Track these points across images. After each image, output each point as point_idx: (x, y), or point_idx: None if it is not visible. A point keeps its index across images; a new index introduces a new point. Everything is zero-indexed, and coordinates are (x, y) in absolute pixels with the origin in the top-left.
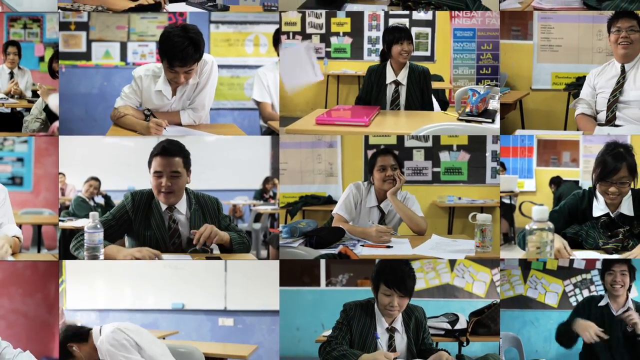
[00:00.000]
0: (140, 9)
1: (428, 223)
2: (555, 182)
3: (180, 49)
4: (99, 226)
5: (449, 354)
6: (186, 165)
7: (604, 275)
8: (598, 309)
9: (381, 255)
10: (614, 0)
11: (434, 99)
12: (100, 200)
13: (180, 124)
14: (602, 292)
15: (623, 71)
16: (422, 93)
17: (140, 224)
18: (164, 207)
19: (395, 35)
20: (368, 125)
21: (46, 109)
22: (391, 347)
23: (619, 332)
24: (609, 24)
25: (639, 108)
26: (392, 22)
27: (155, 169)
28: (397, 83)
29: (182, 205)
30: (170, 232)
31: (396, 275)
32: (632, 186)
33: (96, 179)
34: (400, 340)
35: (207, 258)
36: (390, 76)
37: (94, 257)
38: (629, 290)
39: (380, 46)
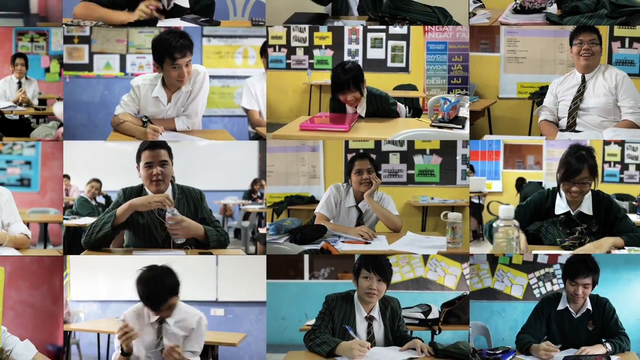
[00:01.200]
0: (137, 24)
1: (403, 221)
2: (517, 184)
3: (175, 42)
4: None
5: (423, 341)
6: (170, 156)
7: (566, 281)
8: (558, 312)
9: (360, 251)
10: (574, 16)
11: (401, 105)
12: (101, 200)
13: (175, 130)
14: (562, 289)
15: (583, 81)
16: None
17: (133, 215)
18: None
19: (339, 81)
20: (348, 131)
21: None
22: (369, 334)
23: (580, 333)
24: (571, 37)
25: (597, 115)
26: (369, 36)
27: (145, 160)
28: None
29: (168, 194)
30: (160, 218)
31: (375, 261)
32: (592, 187)
33: (97, 181)
34: (378, 328)
35: (201, 253)
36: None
37: None
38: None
39: (359, 58)
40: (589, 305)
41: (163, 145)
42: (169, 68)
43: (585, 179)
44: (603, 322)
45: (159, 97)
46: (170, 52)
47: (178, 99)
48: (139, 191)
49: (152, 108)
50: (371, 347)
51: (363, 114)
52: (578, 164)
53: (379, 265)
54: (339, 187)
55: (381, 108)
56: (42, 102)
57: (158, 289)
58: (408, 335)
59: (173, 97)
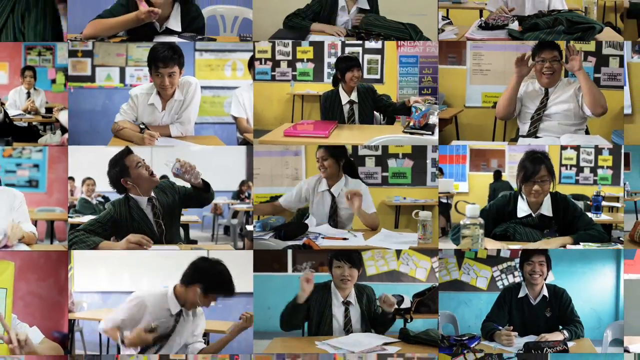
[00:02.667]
0: (135, 39)
1: (380, 221)
2: (495, 175)
3: (161, 52)
4: None
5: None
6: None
7: (523, 265)
8: (518, 300)
9: (339, 247)
10: (534, 32)
11: (376, 114)
12: (100, 199)
13: (169, 136)
14: (521, 279)
15: (547, 93)
16: (374, 103)
17: (127, 220)
18: (140, 199)
19: (347, 64)
20: (328, 137)
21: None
22: (347, 317)
23: (539, 320)
24: (533, 53)
25: (558, 121)
26: (346, 50)
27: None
28: (351, 102)
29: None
30: (154, 218)
31: (343, 251)
32: (551, 188)
33: (90, 178)
34: (355, 312)
35: (193, 248)
36: (344, 98)
37: None
38: (545, 278)
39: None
40: (545, 292)
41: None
42: (154, 75)
43: (544, 177)
44: (560, 311)
45: (154, 104)
46: (154, 61)
47: (172, 107)
48: (126, 200)
49: (148, 115)
50: (348, 329)
51: (356, 99)
52: (534, 165)
53: (347, 254)
54: (310, 180)
55: (370, 98)
56: (49, 110)
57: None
58: (386, 317)
59: (167, 105)
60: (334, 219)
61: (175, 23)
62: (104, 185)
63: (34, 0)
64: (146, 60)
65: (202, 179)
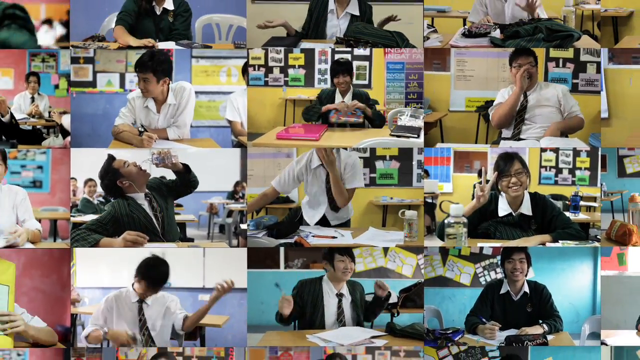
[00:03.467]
0: (135, 47)
1: (366, 219)
2: (480, 174)
3: (140, 58)
4: None
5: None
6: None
7: (504, 263)
8: (500, 296)
9: (328, 244)
10: (515, 40)
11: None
12: (101, 200)
13: (167, 139)
14: (503, 276)
15: (525, 96)
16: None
17: (127, 217)
18: (138, 196)
19: (336, 68)
20: (318, 140)
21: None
22: (340, 308)
23: (520, 314)
24: (510, 59)
25: (540, 125)
26: (336, 57)
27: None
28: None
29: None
30: (153, 212)
31: (343, 247)
32: (528, 185)
33: (92, 180)
34: (347, 303)
35: (190, 246)
36: (338, 99)
37: None
38: (526, 275)
39: (328, 76)
40: (526, 289)
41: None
42: (139, 81)
43: (519, 170)
44: (540, 306)
45: (149, 106)
46: (136, 65)
47: (167, 111)
48: (124, 200)
49: (144, 118)
50: (342, 322)
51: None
52: (507, 160)
53: (347, 250)
54: (301, 158)
55: (364, 102)
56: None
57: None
58: (372, 301)
59: (162, 109)
60: (330, 195)
61: (169, 4)
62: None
63: None
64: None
65: (181, 162)
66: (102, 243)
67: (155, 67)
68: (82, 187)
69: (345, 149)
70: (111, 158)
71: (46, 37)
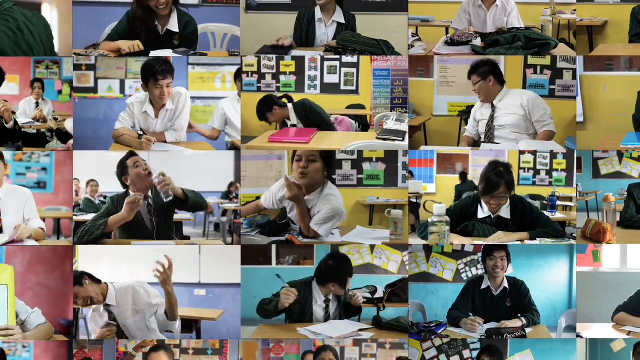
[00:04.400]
0: (133, 54)
1: (354, 217)
2: (461, 176)
3: (159, 67)
4: None
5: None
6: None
7: (485, 260)
8: (481, 291)
9: (316, 242)
10: (495, 47)
11: (352, 121)
12: (102, 200)
13: (165, 142)
14: (484, 272)
15: (493, 106)
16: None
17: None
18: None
19: (261, 109)
20: (308, 143)
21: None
22: (327, 313)
23: (500, 308)
24: (468, 77)
25: (510, 131)
26: (325, 65)
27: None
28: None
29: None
30: (148, 215)
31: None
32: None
33: (94, 180)
34: (333, 307)
35: (187, 244)
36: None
37: None
38: (505, 271)
39: (317, 82)
40: (506, 284)
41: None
42: (153, 87)
43: (502, 194)
44: (519, 300)
45: (147, 111)
46: (154, 74)
47: (165, 115)
48: (124, 196)
49: (143, 122)
50: (327, 315)
51: (295, 122)
52: (497, 178)
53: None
54: (274, 189)
55: (311, 117)
56: (56, 119)
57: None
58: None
59: (160, 114)
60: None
61: (174, 25)
62: (106, 187)
63: None
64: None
65: (183, 190)
66: (110, 223)
67: (173, 72)
68: (85, 187)
69: (334, 151)
70: (130, 154)
71: None
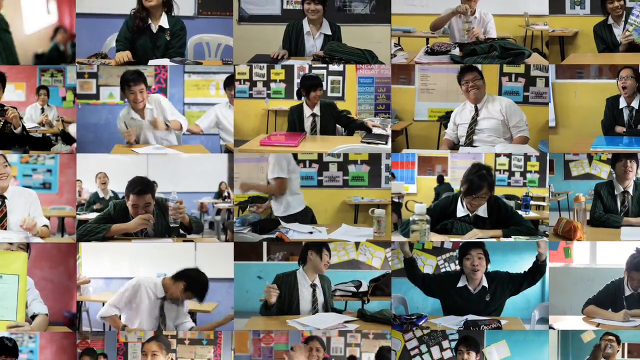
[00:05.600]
0: (133, 63)
1: (340, 217)
2: (439, 179)
3: (130, 75)
4: None
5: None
6: (153, 195)
7: (462, 260)
8: (458, 289)
9: (306, 239)
10: (473, 57)
11: (338, 126)
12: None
13: (181, 129)
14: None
15: (476, 109)
16: (334, 118)
17: (120, 218)
18: None
19: (312, 83)
20: (297, 146)
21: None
22: (314, 297)
23: (480, 304)
24: (458, 79)
25: (489, 134)
26: (314, 72)
27: (132, 202)
28: (314, 115)
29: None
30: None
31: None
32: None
33: (102, 172)
34: (320, 293)
35: (184, 241)
36: (307, 111)
37: None
38: (485, 271)
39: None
40: (485, 283)
41: (148, 189)
42: (128, 94)
43: (484, 195)
44: (498, 280)
45: (133, 117)
46: (127, 82)
47: (149, 114)
48: (124, 205)
49: (134, 125)
50: (315, 308)
51: (318, 113)
52: (479, 181)
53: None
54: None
55: (330, 112)
56: (64, 122)
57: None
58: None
59: (145, 114)
60: None
61: (164, 22)
62: (110, 186)
63: None
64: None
65: (190, 218)
66: (113, 229)
67: (144, 79)
68: (92, 188)
69: (321, 154)
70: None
71: None
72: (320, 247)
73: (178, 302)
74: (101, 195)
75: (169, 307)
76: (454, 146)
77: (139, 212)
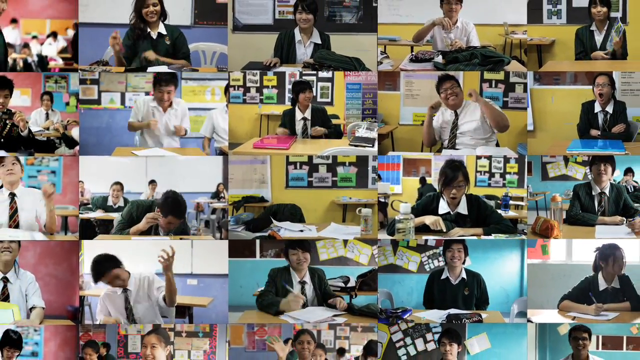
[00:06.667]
0: (133, 70)
1: (329, 215)
2: (421, 180)
3: (165, 75)
4: None
5: (343, 299)
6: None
7: (445, 252)
8: (441, 281)
9: (296, 237)
10: (455, 64)
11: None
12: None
13: (185, 134)
14: (444, 264)
15: (456, 114)
16: (323, 123)
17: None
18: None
19: (300, 87)
20: (288, 149)
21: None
22: (303, 293)
23: (458, 297)
24: (437, 88)
25: (470, 137)
26: (304, 78)
27: (169, 220)
28: (304, 119)
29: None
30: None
31: (295, 240)
32: (467, 190)
33: (118, 183)
34: (309, 289)
35: (181, 238)
36: (299, 115)
37: None
38: (463, 263)
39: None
40: (464, 275)
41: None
42: (157, 91)
43: (461, 182)
44: (477, 289)
45: (154, 107)
46: (160, 81)
47: (171, 112)
48: (149, 206)
49: (146, 114)
50: (304, 303)
51: (309, 117)
52: (453, 172)
53: (299, 242)
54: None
55: (320, 117)
56: (64, 128)
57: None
58: (333, 294)
59: (168, 110)
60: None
61: (162, 29)
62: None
63: None
64: (142, 86)
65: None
66: (131, 232)
67: (175, 82)
68: (94, 189)
69: (311, 156)
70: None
71: (50, 49)
72: (287, 249)
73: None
74: (110, 202)
75: (131, 294)
76: (434, 141)
77: (163, 98)
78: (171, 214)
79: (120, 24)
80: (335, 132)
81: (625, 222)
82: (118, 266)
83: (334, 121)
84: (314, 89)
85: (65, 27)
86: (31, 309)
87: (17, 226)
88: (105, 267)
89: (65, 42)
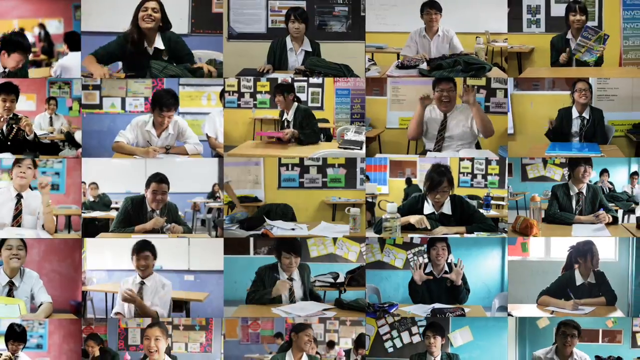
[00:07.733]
0: (133, 76)
1: (319, 215)
2: (407, 181)
3: (166, 99)
4: None
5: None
6: (168, 186)
7: (430, 250)
8: (425, 274)
9: (288, 235)
10: (439, 70)
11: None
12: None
13: (187, 154)
14: (428, 261)
15: (445, 117)
16: (306, 124)
17: (133, 214)
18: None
19: (276, 90)
20: (284, 138)
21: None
22: (290, 289)
23: (441, 289)
24: (433, 85)
25: (457, 140)
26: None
27: (152, 189)
28: (287, 120)
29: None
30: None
31: (289, 243)
32: (450, 193)
33: (94, 183)
34: (297, 286)
35: (178, 236)
36: (284, 116)
37: None
38: (446, 259)
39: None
40: (446, 268)
41: (165, 180)
42: (157, 115)
43: (445, 188)
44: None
45: (150, 131)
46: (161, 105)
47: (167, 137)
48: (141, 200)
49: (143, 139)
50: (292, 299)
51: (290, 119)
52: (439, 177)
53: (292, 245)
54: None
55: (305, 120)
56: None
57: None
58: (318, 294)
59: (162, 134)
60: None
61: (159, 43)
62: (112, 188)
63: None
64: (142, 92)
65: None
66: (136, 230)
67: (177, 106)
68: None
69: (303, 158)
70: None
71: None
72: (280, 251)
73: (146, 280)
74: (91, 199)
75: (146, 287)
76: (420, 134)
77: (156, 198)
78: (165, 106)
79: (121, 33)
80: (325, 135)
81: (595, 217)
82: (154, 255)
83: (324, 125)
84: (304, 94)
85: (32, 26)
86: (39, 305)
87: (19, 227)
88: (144, 244)
89: (33, 39)
